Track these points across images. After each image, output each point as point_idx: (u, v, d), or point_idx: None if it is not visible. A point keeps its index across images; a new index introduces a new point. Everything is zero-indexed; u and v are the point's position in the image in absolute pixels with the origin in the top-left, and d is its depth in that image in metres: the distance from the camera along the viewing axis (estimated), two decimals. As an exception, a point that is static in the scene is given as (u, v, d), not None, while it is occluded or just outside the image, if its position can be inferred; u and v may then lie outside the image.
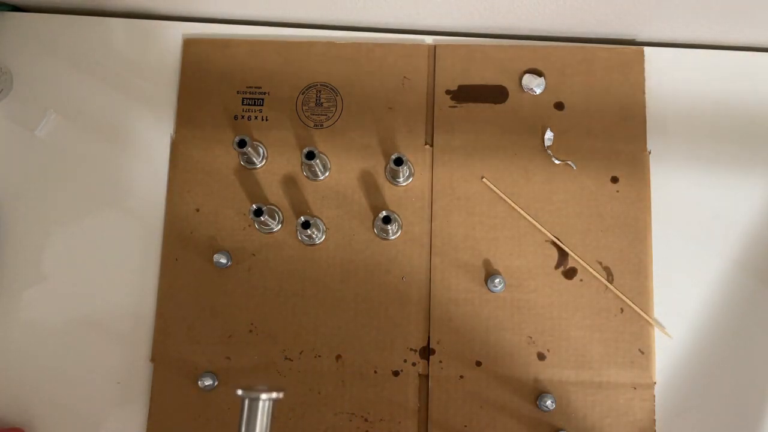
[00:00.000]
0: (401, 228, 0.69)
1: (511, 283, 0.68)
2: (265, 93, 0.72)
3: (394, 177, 0.69)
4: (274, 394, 0.48)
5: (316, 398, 0.66)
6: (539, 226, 0.69)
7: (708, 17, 0.70)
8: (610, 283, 0.68)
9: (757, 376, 0.67)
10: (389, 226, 0.66)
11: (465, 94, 0.72)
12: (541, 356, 0.67)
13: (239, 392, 0.48)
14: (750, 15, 0.69)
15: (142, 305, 0.69)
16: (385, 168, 0.70)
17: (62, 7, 0.77)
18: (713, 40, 0.75)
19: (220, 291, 0.68)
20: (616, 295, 0.67)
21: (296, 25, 0.76)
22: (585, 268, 0.68)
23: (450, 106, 0.72)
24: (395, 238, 0.69)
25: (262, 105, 0.72)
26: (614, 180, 0.70)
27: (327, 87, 0.72)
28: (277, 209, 0.69)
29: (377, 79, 0.72)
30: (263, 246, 0.69)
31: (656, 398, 0.66)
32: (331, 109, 0.72)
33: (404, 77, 0.72)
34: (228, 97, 0.72)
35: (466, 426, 0.65)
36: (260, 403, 0.48)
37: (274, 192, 0.70)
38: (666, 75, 0.72)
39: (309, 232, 0.66)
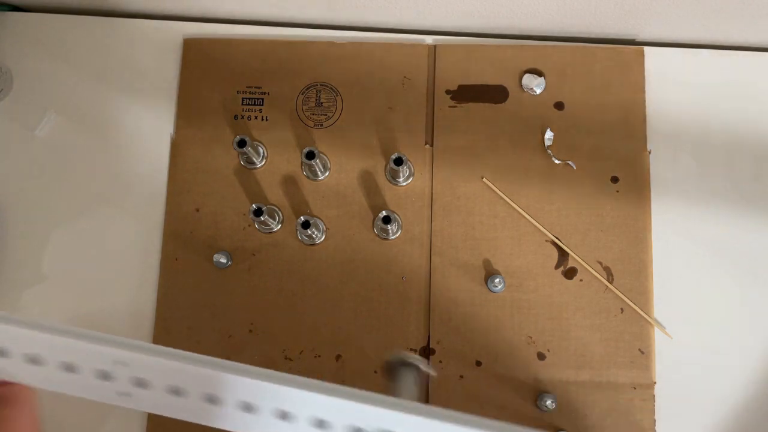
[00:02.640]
0: (401, 228, 0.69)
1: (511, 283, 0.68)
2: (265, 93, 0.72)
3: (394, 177, 0.69)
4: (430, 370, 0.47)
5: (316, 398, 0.66)
6: (539, 226, 0.69)
7: (708, 17, 0.70)
8: (610, 283, 0.68)
9: (757, 376, 0.67)
10: (389, 226, 0.66)
11: (465, 94, 0.72)
12: (541, 356, 0.67)
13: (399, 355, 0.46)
14: (750, 15, 0.69)
15: (142, 305, 0.69)
16: (385, 168, 0.70)
17: (62, 7, 0.77)
18: (713, 40, 0.75)
19: (220, 291, 0.68)
20: (616, 295, 0.67)
21: (296, 25, 0.76)
22: (585, 268, 0.68)
23: (450, 106, 0.72)
24: (395, 238, 0.69)
25: (262, 105, 0.72)
26: (614, 180, 0.70)
27: (327, 87, 0.72)
28: (277, 209, 0.69)
29: (377, 79, 0.72)
30: (263, 246, 0.69)
31: (656, 398, 0.66)
32: (331, 109, 0.72)
33: (404, 77, 0.72)
34: (228, 97, 0.72)
35: (466, 426, 0.65)
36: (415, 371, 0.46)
37: (274, 192, 0.70)
38: (666, 75, 0.72)
39: (309, 232, 0.66)
